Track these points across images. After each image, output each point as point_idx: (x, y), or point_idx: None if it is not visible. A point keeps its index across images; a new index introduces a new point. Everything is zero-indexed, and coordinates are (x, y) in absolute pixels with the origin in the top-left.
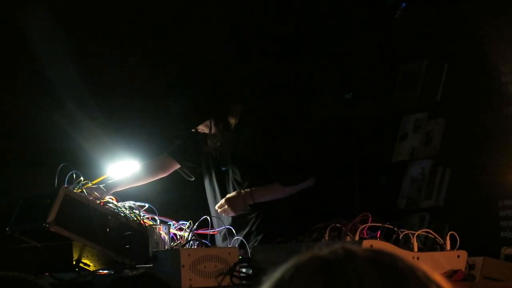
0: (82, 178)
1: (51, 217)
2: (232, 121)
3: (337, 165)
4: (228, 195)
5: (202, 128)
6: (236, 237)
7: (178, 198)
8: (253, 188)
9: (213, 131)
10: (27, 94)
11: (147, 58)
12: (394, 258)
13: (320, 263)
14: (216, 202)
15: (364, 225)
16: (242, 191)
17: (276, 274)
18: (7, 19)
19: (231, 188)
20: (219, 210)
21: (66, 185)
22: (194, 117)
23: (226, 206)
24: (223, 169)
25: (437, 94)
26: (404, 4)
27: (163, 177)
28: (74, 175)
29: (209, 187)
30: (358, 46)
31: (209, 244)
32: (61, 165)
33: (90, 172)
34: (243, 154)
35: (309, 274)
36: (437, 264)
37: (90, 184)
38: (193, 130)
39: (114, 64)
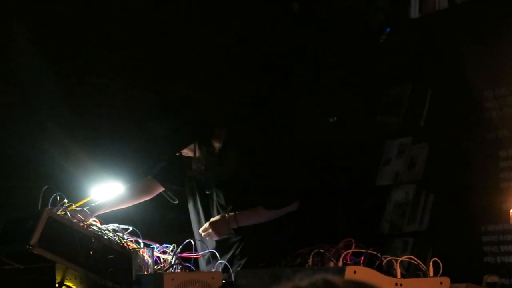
0: (66, 201)
1: (34, 239)
2: (216, 144)
3: (321, 189)
4: (212, 219)
5: (187, 152)
6: (220, 261)
7: (162, 221)
8: (237, 212)
9: (197, 154)
10: (11, 116)
11: (130, 81)
12: None
13: None
14: (200, 225)
15: (348, 251)
16: (226, 215)
17: None
18: None
19: (215, 211)
20: (203, 234)
21: (49, 207)
22: (178, 141)
23: (210, 230)
24: (207, 192)
25: (421, 119)
26: (388, 29)
27: (147, 200)
28: (58, 197)
29: (193, 210)
30: (342, 70)
31: (193, 268)
32: (45, 187)
33: (74, 194)
34: (227, 177)
35: None
36: None
37: (74, 207)
38: (177, 154)
39: (98, 87)
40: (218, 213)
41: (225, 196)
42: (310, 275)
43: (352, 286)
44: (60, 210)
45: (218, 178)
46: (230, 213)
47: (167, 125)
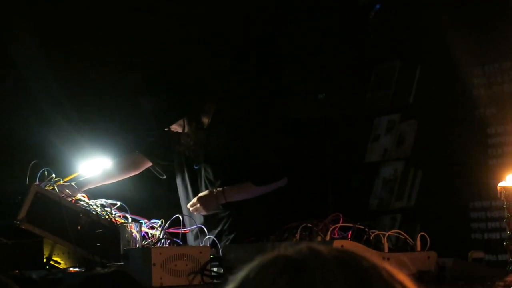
0: (53, 176)
1: (22, 214)
2: (205, 120)
3: (310, 165)
4: (200, 194)
5: (175, 127)
6: (208, 236)
7: (150, 197)
8: (225, 187)
9: (186, 130)
10: None
11: (118, 56)
12: (359, 257)
13: (285, 262)
14: (188, 200)
15: (335, 225)
16: (214, 190)
17: (242, 273)
18: None
19: (203, 186)
20: (191, 209)
21: (37, 182)
22: (168, 116)
23: (198, 205)
24: (195, 167)
25: (410, 96)
26: (378, 6)
27: (135, 175)
28: (46, 172)
29: (181, 185)
30: (331, 46)
31: (181, 243)
32: (33, 162)
33: (62, 169)
34: (216, 153)
35: (274, 272)
36: (408, 265)
37: (61, 182)
38: (166, 129)
39: (86, 62)
40: (206, 188)
41: (213, 171)
42: (295, 245)
43: (337, 253)
44: (48, 185)
45: (207, 153)
46: (218, 188)
47: (156, 100)
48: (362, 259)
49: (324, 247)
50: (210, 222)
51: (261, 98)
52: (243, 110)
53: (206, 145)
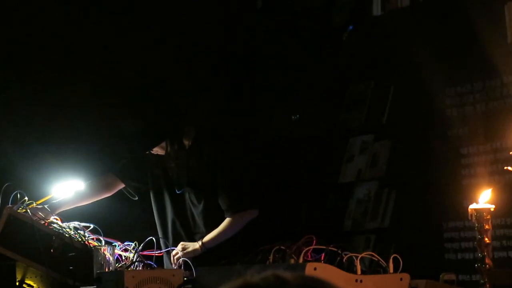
0: (26, 198)
1: None
2: (186, 142)
3: (284, 186)
4: (183, 244)
5: (157, 150)
6: (182, 258)
7: (123, 218)
8: (204, 241)
9: (168, 151)
10: None
11: (96, 78)
12: (325, 285)
13: None
14: (165, 223)
15: (308, 248)
16: (197, 243)
17: None
18: None
19: (188, 210)
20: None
21: (10, 205)
22: (151, 139)
23: (179, 252)
24: (178, 192)
25: (383, 116)
26: (351, 27)
27: (109, 198)
28: (19, 195)
29: (159, 207)
30: (306, 67)
31: (155, 265)
32: (6, 184)
33: (35, 192)
34: (197, 176)
35: None
36: (380, 287)
37: (34, 204)
38: (147, 152)
39: (59, 84)
40: (190, 211)
41: (196, 195)
42: (261, 271)
43: (302, 281)
44: (20, 208)
45: (189, 178)
46: (198, 242)
47: (138, 124)
48: (327, 286)
49: (290, 274)
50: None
51: (236, 120)
52: (221, 133)
53: (188, 168)
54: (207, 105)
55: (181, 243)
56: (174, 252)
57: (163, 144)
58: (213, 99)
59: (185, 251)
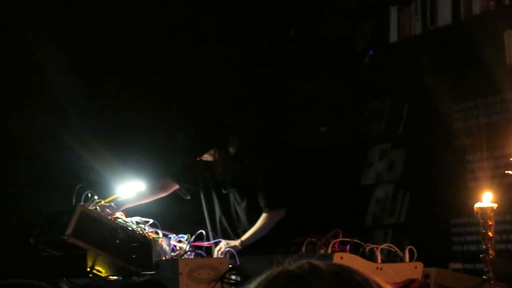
0: (96, 197)
1: (69, 230)
2: (231, 150)
3: (314, 188)
4: (226, 241)
5: (206, 157)
6: (228, 249)
7: (178, 215)
8: (242, 239)
9: (216, 158)
10: (47, 127)
11: (155, 96)
12: (352, 272)
13: (288, 276)
14: (216, 218)
15: (336, 240)
16: (238, 241)
17: (252, 285)
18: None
19: (232, 207)
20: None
21: (82, 203)
22: (201, 147)
23: (222, 248)
24: (224, 192)
25: (399, 128)
26: (371, 52)
27: (165, 197)
28: (89, 194)
29: (208, 205)
30: (333, 86)
31: (204, 254)
32: (79, 186)
33: (103, 192)
34: (241, 179)
35: (278, 286)
36: (398, 274)
37: (102, 202)
38: (198, 158)
39: (126, 99)
40: (235, 209)
41: (240, 195)
42: (296, 260)
43: (333, 268)
44: (91, 205)
45: (234, 180)
46: (238, 240)
47: (190, 134)
48: (355, 273)
49: (322, 263)
50: (231, 237)
51: (275, 131)
52: (260, 142)
53: (233, 172)
54: (249, 118)
55: (223, 241)
56: (217, 248)
57: (211, 151)
58: (254, 114)
59: (227, 247)
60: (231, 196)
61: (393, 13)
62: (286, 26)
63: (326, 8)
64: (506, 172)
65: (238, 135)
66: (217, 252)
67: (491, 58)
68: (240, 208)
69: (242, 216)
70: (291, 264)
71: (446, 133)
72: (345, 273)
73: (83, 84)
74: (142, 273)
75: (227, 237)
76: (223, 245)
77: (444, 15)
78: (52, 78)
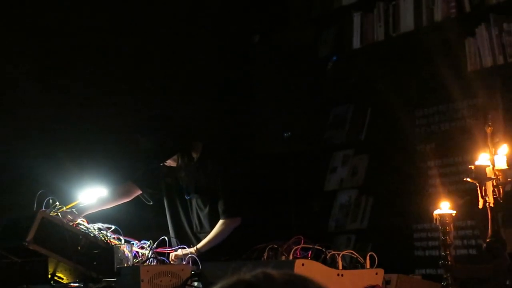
0: (57, 203)
1: (30, 236)
2: (194, 156)
3: (278, 193)
4: (182, 251)
5: (170, 162)
6: (190, 255)
7: (140, 221)
8: (197, 247)
9: (179, 163)
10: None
11: (118, 101)
12: (307, 281)
13: (244, 286)
14: (178, 224)
15: (297, 246)
16: (193, 249)
17: None
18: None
19: (195, 213)
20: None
21: (43, 209)
22: (165, 152)
23: (179, 254)
24: (187, 197)
25: (362, 134)
26: (334, 58)
27: (128, 203)
28: (51, 200)
29: (171, 211)
30: (296, 92)
31: (167, 261)
32: (40, 191)
33: (64, 198)
34: (204, 185)
35: None
36: (358, 280)
37: (64, 208)
38: (161, 163)
39: (88, 105)
40: (197, 214)
41: (202, 200)
42: (254, 268)
43: (287, 277)
44: (52, 212)
45: (197, 185)
46: (193, 248)
47: (155, 140)
48: (309, 282)
49: (277, 272)
50: (193, 243)
51: (237, 137)
52: (223, 148)
53: (195, 178)
54: (212, 124)
55: (180, 249)
56: (172, 254)
57: (175, 157)
58: (217, 120)
59: (183, 253)
60: (194, 202)
61: (356, 19)
62: (250, 32)
63: (290, 14)
64: (465, 179)
65: (201, 140)
66: (171, 258)
67: (452, 64)
68: (202, 214)
69: (205, 222)
70: (246, 273)
71: (408, 139)
72: (299, 282)
73: (45, 90)
74: (103, 279)
75: (189, 243)
76: (180, 251)
77: (406, 22)
78: (13, 85)
